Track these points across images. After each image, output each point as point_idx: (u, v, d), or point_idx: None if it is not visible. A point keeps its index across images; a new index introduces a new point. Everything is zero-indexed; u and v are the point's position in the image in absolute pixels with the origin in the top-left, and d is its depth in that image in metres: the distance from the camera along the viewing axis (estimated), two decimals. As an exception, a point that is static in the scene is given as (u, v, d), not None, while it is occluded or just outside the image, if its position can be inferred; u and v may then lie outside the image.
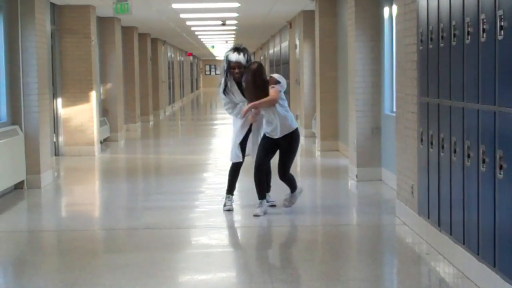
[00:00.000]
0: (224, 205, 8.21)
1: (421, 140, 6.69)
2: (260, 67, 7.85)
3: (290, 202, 8.21)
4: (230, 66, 8.03)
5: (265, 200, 7.96)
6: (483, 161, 5.05)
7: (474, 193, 5.25)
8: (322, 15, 13.88)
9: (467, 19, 5.34)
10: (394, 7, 8.37)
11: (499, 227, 4.82)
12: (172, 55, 31.68)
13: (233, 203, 8.25)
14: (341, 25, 13.12)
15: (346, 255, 6.57)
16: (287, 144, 7.76)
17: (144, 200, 9.67)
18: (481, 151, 5.09)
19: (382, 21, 10.07)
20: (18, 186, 10.09)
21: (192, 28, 22.32)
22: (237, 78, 8.03)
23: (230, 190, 8.23)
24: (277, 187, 8.42)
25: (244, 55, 8.02)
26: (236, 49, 8.06)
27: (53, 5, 13.73)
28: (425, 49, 6.51)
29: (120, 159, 14.54)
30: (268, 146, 7.87)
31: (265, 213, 7.85)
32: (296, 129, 7.88)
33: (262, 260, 6.46)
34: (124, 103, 18.98)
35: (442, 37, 5.96)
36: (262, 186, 7.89)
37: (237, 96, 8.10)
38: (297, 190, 8.20)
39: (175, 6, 15.35)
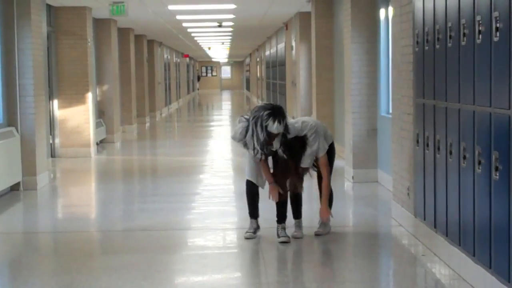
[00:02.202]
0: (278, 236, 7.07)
1: (417, 142, 6.69)
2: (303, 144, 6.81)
3: (324, 229, 7.22)
4: (270, 136, 6.72)
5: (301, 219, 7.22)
6: (479, 163, 5.05)
7: (470, 194, 5.25)
8: (318, 17, 13.89)
9: (462, 21, 5.35)
10: (390, 9, 8.39)
11: (495, 228, 4.82)
12: (169, 57, 31.67)
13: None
14: (337, 27, 13.12)
15: (342, 257, 6.57)
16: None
17: (140, 202, 9.66)
18: (477, 153, 5.09)
19: (378, 22, 10.07)
20: (14, 187, 10.07)
21: (189, 30, 22.31)
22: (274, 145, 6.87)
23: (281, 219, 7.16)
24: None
25: (283, 122, 6.71)
26: (275, 116, 6.63)
27: (49, 6, 13.72)
28: (421, 51, 6.51)
29: (116, 161, 14.52)
30: None
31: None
32: (331, 144, 7.09)
33: (258, 262, 6.46)
34: (120, 105, 18.96)
35: (438, 38, 5.97)
36: (300, 205, 7.21)
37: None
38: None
39: (171, 7, 15.34)
